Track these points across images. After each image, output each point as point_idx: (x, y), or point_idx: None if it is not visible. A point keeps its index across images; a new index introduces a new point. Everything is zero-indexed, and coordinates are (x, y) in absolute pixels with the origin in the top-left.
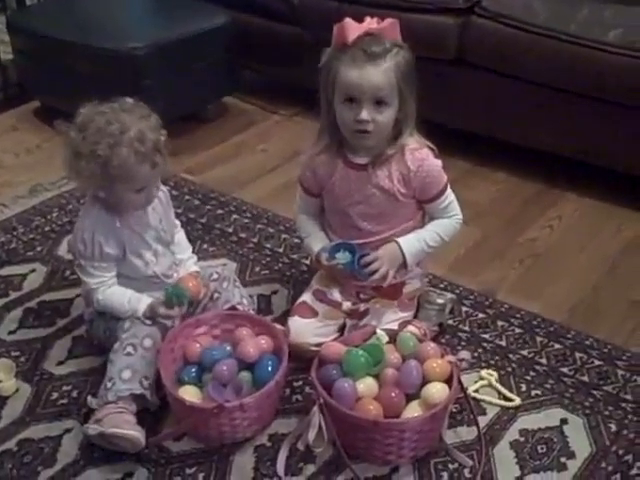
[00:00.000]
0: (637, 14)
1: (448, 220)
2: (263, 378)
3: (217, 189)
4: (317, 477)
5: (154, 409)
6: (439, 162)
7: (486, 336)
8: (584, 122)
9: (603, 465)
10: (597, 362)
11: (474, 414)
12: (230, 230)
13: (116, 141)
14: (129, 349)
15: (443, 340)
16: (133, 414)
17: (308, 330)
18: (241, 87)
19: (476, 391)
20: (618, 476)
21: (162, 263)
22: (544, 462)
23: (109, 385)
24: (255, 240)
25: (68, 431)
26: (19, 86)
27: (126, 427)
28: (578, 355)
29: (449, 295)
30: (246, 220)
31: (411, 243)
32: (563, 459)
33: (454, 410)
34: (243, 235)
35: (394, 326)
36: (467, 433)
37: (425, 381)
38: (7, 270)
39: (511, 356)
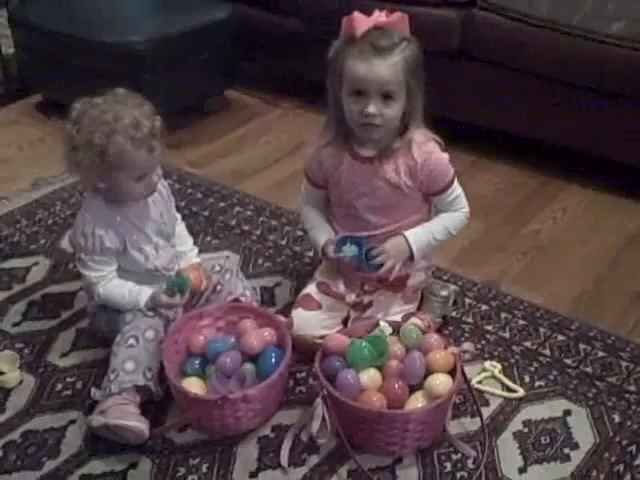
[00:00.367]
0: None
1: (455, 213)
2: (267, 370)
3: (220, 182)
4: (320, 468)
5: (158, 400)
6: (446, 155)
7: (489, 328)
8: (587, 114)
9: (606, 456)
10: (601, 353)
11: (477, 405)
12: (233, 223)
13: (111, 129)
14: (131, 341)
15: (447, 332)
16: (137, 405)
17: (312, 322)
18: (243, 80)
19: (479, 382)
20: (621, 467)
21: (163, 256)
22: (547, 453)
23: (112, 377)
24: (258, 232)
25: (72, 422)
26: (21, 80)
27: (130, 418)
28: (582, 346)
29: (453, 287)
30: (249, 213)
31: (418, 236)
32: (566, 450)
33: (457, 401)
34: (246, 227)
35: (398, 318)
36: (470, 424)
37: (428, 372)
38: (11, 263)
39: (514, 347)
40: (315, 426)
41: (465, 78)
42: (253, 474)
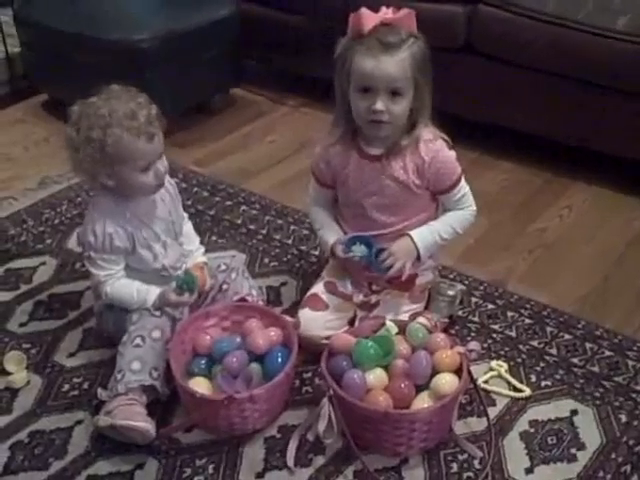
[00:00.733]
0: None
1: (462, 212)
2: (273, 370)
3: (225, 181)
4: (327, 468)
5: (164, 400)
6: (453, 153)
7: (496, 327)
8: (593, 110)
9: (613, 456)
10: (607, 353)
11: (484, 405)
12: (239, 222)
13: (107, 122)
14: (137, 340)
15: (453, 331)
16: (143, 405)
17: (319, 322)
18: (248, 78)
19: (486, 382)
20: (628, 467)
21: (171, 255)
22: (554, 453)
23: (119, 377)
24: (264, 231)
25: (79, 423)
26: (26, 79)
27: (136, 419)
28: (588, 345)
29: (459, 286)
30: (255, 211)
31: (424, 236)
32: (573, 450)
33: (464, 401)
34: (252, 227)
35: (405, 318)
36: (477, 424)
37: (435, 372)
38: (18, 263)
39: (521, 347)
40: (321, 426)
41: (470, 74)
42: (259, 474)
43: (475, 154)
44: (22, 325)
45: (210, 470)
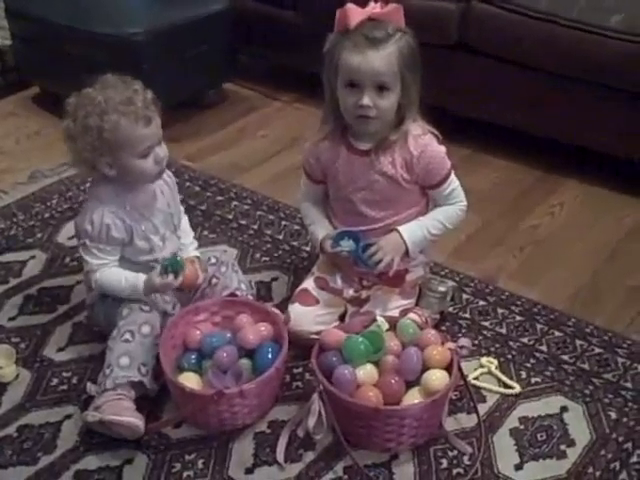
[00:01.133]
0: None
1: (451, 207)
2: (263, 365)
3: (217, 175)
4: (317, 464)
5: (153, 395)
6: (443, 148)
7: (486, 323)
8: (585, 108)
9: (603, 453)
10: (597, 350)
11: (474, 401)
12: (230, 217)
13: (102, 109)
14: (127, 336)
15: (443, 327)
16: (132, 401)
17: (309, 318)
18: (241, 73)
19: (476, 378)
20: (617, 464)
21: (168, 248)
22: (544, 450)
23: (107, 372)
24: (255, 227)
25: (68, 417)
26: (18, 72)
27: (125, 414)
28: (578, 343)
29: (450, 283)
30: (246, 207)
31: (412, 231)
32: (563, 447)
33: (454, 397)
34: (243, 222)
35: (395, 313)
36: (467, 420)
37: (425, 368)
38: (7, 257)
39: (511, 343)
40: (311, 422)
41: (463, 71)
42: (249, 470)
43: (468, 151)
44: (11, 319)
45: (199, 465)
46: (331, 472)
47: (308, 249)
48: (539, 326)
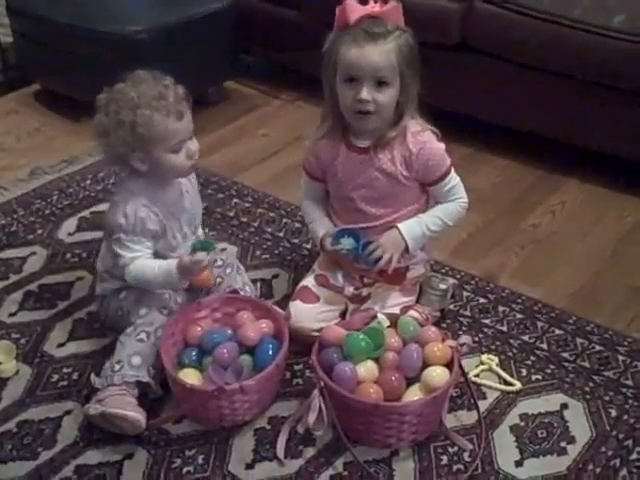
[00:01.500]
0: None
1: (452, 204)
2: (263, 361)
3: (218, 173)
4: (317, 460)
5: (156, 397)
6: (442, 145)
7: (487, 321)
8: (587, 108)
9: (603, 450)
10: (598, 347)
11: (474, 398)
12: (231, 214)
13: (135, 104)
14: (142, 335)
15: (444, 325)
16: (134, 397)
17: (310, 315)
18: (243, 71)
19: (477, 375)
20: (618, 461)
21: (186, 247)
22: (544, 446)
23: (117, 367)
24: (256, 224)
25: (68, 413)
26: (19, 69)
27: (128, 408)
28: (579, 340)
29: (451, 280)
30: (247, 204)
31: (412, 228)
32: (563, 444)
33: (454, 394)
34: (244, 219)
35: (396, 310)
36: (467, 417)
37: (425, 365)
38: (7, 253)
39: (512, 341)
40: (312, 418)
41: (465, 70)
42: (249, 465)
43: (469, 150)
44: (11, 315)
45: (200, 461)
46: (331, 468)
47: (309, 246)
48: (540, 324)
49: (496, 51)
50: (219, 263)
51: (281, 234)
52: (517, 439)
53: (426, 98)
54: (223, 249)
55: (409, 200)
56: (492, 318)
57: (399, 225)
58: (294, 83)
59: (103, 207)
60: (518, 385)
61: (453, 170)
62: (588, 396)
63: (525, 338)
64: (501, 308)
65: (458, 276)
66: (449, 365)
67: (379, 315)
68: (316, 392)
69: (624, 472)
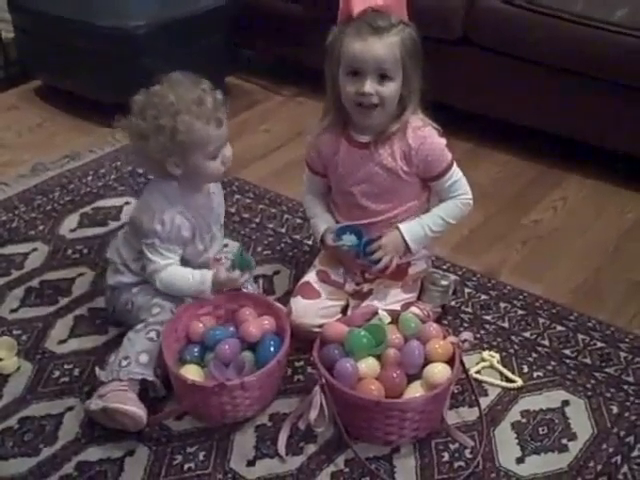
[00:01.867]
0: None
1: (452, 201)
2: (265, 357)
3: None
4: (318, 457)
5: (154, 395)
6: (443, 141)
7: (488, 317)
8: (589, 103)
9: (604, 447)
10: (599, 344)
11: (476, 395)
12: (232, 210)
13: (176, 109)
14: (152, 334)
15: (445, 321)
16: (136, 394)
17: (311, 311)
18: (243, 67)
19: (478, 372)
20: (619, 458)
21: (214, 248)
22: (545, 443)
23: (124, 363)
24: (257, 220)
25: (70, 409)
26: (20, 64)
27: (129, 403)
28: (580, 337)
29: (453, 277)
30: (248, 200)
31: (413, 229)
32: (564, 440)
33: (456, 391)
34: (245, 215)
35: (397, 307)
36: (468, 414)
37: (427, 362)
38: (9, 249)
39: (513, 338)
40: (313, 415)
41: (467, 65)
42: (250, 462)
43: (470, 145)
44: (13, 311)
45: (201, 457)
46: (332, 465)
47: (310, 242)
48: (541, 320)
49: (498, 46)
50: (223, 261)
51: (283, 230)
52: (518, 436)
53: (427, 93)
54: (225, 245)
55: (410, 196)
56: (493, 314)
57: (401, 227)
58: (295, 78)
59: (105, 203)
60: (519, 382)
61: (455, 166)
62: (589, 393)
63: (526, 334)
64: (502, 304)
65: (459, 272)
66: (450, 362)
67: (380, 312)
68: (317, 389)
69: (625, 469)
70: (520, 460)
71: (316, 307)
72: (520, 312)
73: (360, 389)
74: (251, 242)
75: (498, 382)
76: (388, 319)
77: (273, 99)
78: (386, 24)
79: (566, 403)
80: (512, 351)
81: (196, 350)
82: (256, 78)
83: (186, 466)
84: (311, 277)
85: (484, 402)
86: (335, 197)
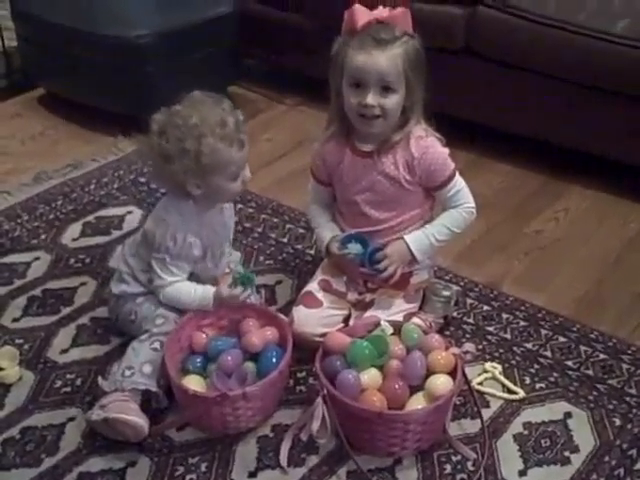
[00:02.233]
0: None
1: (456, 211)
2: (267, 368)
3: None
4: (320, 468)
5: (156, 406)
6: (445, 150)
7: (491, 329)
8: (591, 114)
9: (607, 459)
10: (602, 356)
11: (478, 406)
12: (235, 220)
13: (200, 132)
14: (156, 345)
15: (448, 332)
16: (138, 404)
17: (313, 320)
18: (246, 76)
19: (480, 384)
20: (621, 470)
21: (223, 263)
22: (547, 456)
23: (128, 373)
24: (259, 230)
25: (71, 419)
26: (23, 73)
27: (131, 414)
28: (583, 348)
29: (455, 287)
30: (250, 210)
31: (419, 240)
32: (567, 453)
33: (458, 402)
34: (247, 225)
35: (399, 317)
36: (471, 426)
37: (429, 373)
38: (11, 258)
39: (515, 349)
40: (315, 426)
41: (469, 76)
42: (252, 473)
43: (472, 156)
44: (15, 320)
45: (203, 468)
46: (334, 476)
47: (312, 252)
48: (543, 332)
49: (500, 56)
50: (227, 271)
51: (285, 240)
52: (521, 448)
53: (429, 103)
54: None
55: (413, 204)
56: (496, 325)
57: (406, 238)
58: (298, 88)
59: (107, 212)
60: (522, 393)
61: (458, 175)
62: (592, 405)
63: (529, 346)
64: (505, 315)
65: (461, 283)
66: (453, 373)
67: (383, 322)
68: (319, 400)
69: None
70: (522, 473)
71: (318, 316)
72: (522, 323)
73: (362, 400)
74: (253, 252)
75: (500, 394)
76: (390, 330)
77: (275, 108)
78: (389, 37)
79: (568, 415)
80: (514, 362)
81: (199, 360)
82: (258, 87)
83: (188, 477)
84: (313, 286)
85: (486, 414)
86: (340, 206)
